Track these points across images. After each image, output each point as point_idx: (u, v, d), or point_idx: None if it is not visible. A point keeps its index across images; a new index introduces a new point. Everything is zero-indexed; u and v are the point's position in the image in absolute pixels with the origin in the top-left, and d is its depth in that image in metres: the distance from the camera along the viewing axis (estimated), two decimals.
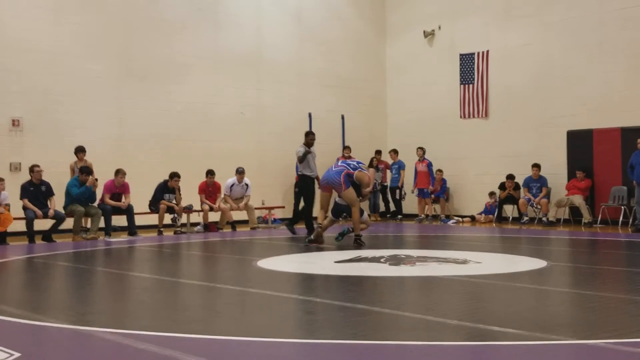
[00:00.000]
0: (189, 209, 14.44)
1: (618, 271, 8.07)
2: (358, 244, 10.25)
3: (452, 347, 4.29)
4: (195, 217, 14.72)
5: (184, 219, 14.38)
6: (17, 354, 4.08)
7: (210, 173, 14.56)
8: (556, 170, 15.59)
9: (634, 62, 14.61)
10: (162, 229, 13.66)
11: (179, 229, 13.92)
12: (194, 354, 4.01)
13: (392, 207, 17.88)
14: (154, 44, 15.40)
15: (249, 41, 16.87)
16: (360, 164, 10.74)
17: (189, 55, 15.87)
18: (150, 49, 15.34)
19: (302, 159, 12.63)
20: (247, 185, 15.02)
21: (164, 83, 15.48)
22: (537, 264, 8.24)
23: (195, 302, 6.28)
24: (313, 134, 12.94)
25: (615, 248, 10.59)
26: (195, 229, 14.37)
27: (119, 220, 13.55)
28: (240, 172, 14.89)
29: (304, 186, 12.55)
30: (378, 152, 17.96)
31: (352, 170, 10.47)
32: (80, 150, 13.35)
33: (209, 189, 14.58)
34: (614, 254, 10.01)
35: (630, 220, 13.96)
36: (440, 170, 17.20)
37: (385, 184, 17.91)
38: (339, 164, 10.86)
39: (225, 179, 14.90)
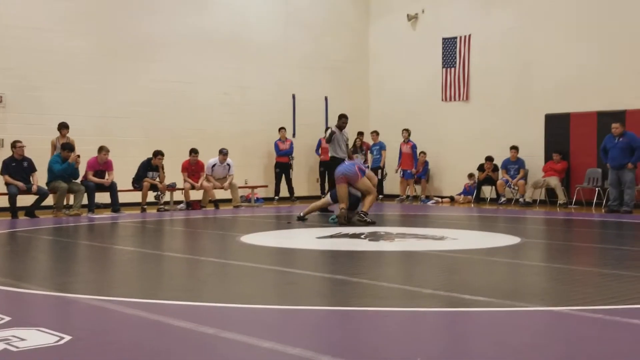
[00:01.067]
0: (172, 187, 14.58)
1: (589, 247, 8.36)
2: (365, 222, 10.42)
3: (425, 312, 4.52)
4: (179, 195, 14.86)
5: (167, 196, 14.52)
6: (7, 318, 4.21)
7: (193, 152, 14.69)
8: (534, 153, 15.89)
9: (611, 48, 14.88)
10: (145, 206, 13.81)
11: (162, 206, 14.07)
12: (180, 319, 4.18)
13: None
14: (139, 21, 15.45)
15: (233, 21, 16.94)
16: (365, 166, 11.17)
17: (174, 34, 15.93)
18: (135, 27, 15.38)
19: (329, 140, 12.96)
20: (229, 165, 15.17)
21: (147, 61, 15.53)
22: (511, 240, 8.51)
23: (180, 273, 6.48)
24: (346, 117, 13.07)
25: (588, 227, 10.91)
26: (179, 206, 14.52)
27: (102, 197, 13.66)
28: (224, 154, 15.04)
29: (333, 167, 12.59)
30: (360, 134, 18.15)
31: (363, 168, 11.18)
32: (63, 127, 13.41)
33: (192, 168, 14.72)
34: (587, 232, 10.31)
35: (604, 202, 14.29)
36: (423, 153, 17.44)
37: (367, 165, 18.11)
38: (347, 162, 11.27)
39: (209, 158, 15.04)
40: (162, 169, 14.18)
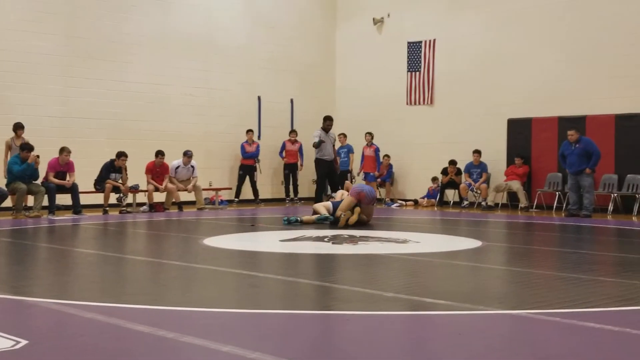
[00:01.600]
0: (135, 189, 14.45)
1: (548, 251, 8.49)
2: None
3: (386, 316, 4.55)
4: (142, 197, 14.74)
5: (129, 198, 14.39)
6: None
7: (160, 154, 14.58)
8: (496, 157, 16.09)
9: (573, 54, 15.14)
10: (107, 208, 13.66)
11: (124, 208, 13.94)
12: (139, 323, 4.15)
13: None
14: (103, 22, 15.30)
15: (199, 23, 16.87)
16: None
17: (138, 35, 15.81)
18: (99, 28, 15.23)
19: (317, 146, 13.05)
20: (192, 167, 15.10)
21: (112, 62, 15.39)
22: (473, 243, 8.60)
23: (141, 276, 6.43)
24: (331, 119, 13.11)
25: (548, 230, 11.06)
26: (141, 208, 14.40)
27: (64, 199, 13.50)
28: (188, 156, 14.97)
29: (319, 169, 12.73)
30: (341, 135, 18.20)
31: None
32: (18, 127, 13.19)
33: (157, 170, 14.61)
34: (546, 235, 10.46)
35: (564, 206, 14.52)
36: (387, 156, 17.55)
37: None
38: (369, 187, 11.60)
39: (172, 160, 14.94)
40: (125, 170, 14.04)
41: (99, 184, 13.88)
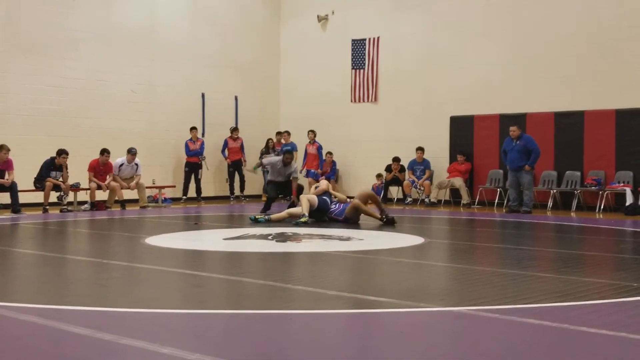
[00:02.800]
0: (76, 187, 14.18)
1: (489, 247, 8.63)
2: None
3: (329, 314, 4.55)
4: (83, 196, 14.47)
5: (70, 197, 14.11)
6: None
7: (105, 152, 14.33)
8: (439, 154, 16.31)
9: (513, 52, 15.43)
10: (47, 207, 13.36)
11: (65, 207, 13.66)
12: (78, 325, 4.07)
13: None
14: (44, 16, 14.94)
15: (141, 18, 16.63)
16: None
17: (80, 30, 15.49)
18: (39, 22, 14.87)
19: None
20: (137, 165, 14.90)
21: (52, 57, 15.05)
22: (416, 240, 8.69)
23: (81, 277, 6.30)
24: (291, 154, 12.88)
25: (490, 227, 11.26)
26: (83, 207, 14.13)
27: (2, 198, 13.15)
28: (132, 153, 14.76)
29: (270, 190, 12.82)
30: (279, 133, 18.19)
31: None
32: None
33: (100, 168, 14.35)
34: (488, 231, 10.64)
35: (505, 202, 14.79)
36: (330, 153, 17.59)
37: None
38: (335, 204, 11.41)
39: (115, 157, 14.70)
40: (66, 168, 13.76)
41: (39, 182, 13.57)
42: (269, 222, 10.80)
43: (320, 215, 11.21)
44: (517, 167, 13.81)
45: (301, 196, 11.39)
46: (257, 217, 11.06)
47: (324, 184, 11.84)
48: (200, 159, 16.86)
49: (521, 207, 13.71)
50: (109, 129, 15.77)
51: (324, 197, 11.28)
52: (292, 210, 11.18)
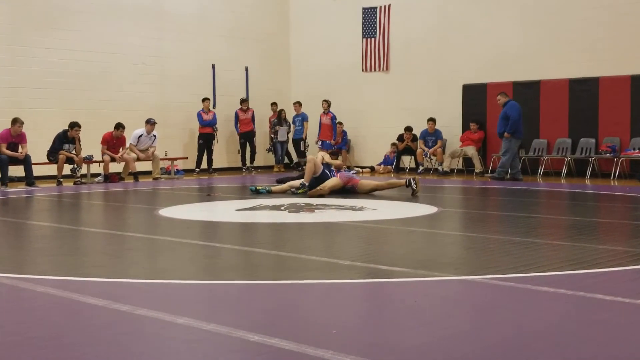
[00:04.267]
0: (89, 160, 14.23)
1: (502, 215, 8.61)
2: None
3: (342, 284, 4.56)
4: (96, 168, 14.52)
5: (84, 169, 14.16)
6: None
7: (120, 126, 14.35)
8: (452, 123, 16.20)
9: (526, 19, 15.24)
10: (61, 180, 13.42)
11: (78, 179, 13.71)
12: (93, 296, 4.09)
13: (295, 159, 18.16)
14: None
15: None
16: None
17: (89, 3, 15.44)
18: None
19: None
20: (154, 136, 14.97)
21: (62, 30, 15.03)
22: (429, 209, 8.67)
23: (95, 248, 6.34)
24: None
25: (503, 195, 11.21)
26: (96, 179, 14.19)
27: (16, 171, 13.22)
28: (152, 123, 14.80)
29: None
30: (273, 104, 18.10)
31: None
32: None
33: (114, 141, 14.39)
34: (501, 200, 10.61)
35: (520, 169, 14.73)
36: (340, 123, 17.54)
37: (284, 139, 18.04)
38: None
39: (127, 131, 14.69)
40: (79, 141, 13.79)
41: (52, 155, 13.61)
42: (270, 194, 10.75)
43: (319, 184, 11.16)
44: (499, 133, 13.83)
45: (308, 158, 11.31)
46: (257, 188, 11.02)
47: (320, 155, 11.78)
48: (214, 129, 16.85)
49: (506, 174, 13.78)
50: (120, 102, 15.78)
51: (324, 169, 11.21)
52: (293, 182, 11.17)
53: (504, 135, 13.77)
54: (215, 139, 17.00)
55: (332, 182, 10.66)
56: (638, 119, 13.93)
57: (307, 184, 10.71)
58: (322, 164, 11.03)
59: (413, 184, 10.30)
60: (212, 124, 16.86)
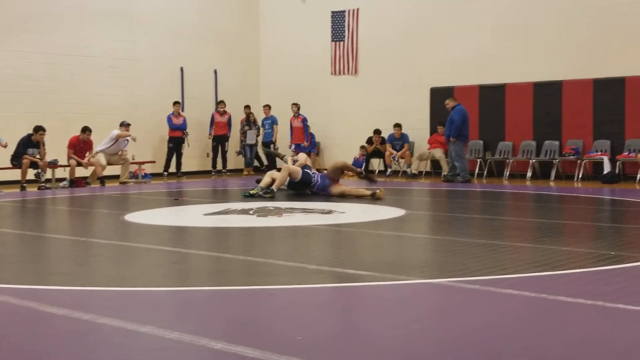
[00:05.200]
0: (53, 164, 14.04)
1: (469, 218, 8.67)
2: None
3: (309, 289, 4.55)
4: (61, 173, 14.32)
5: (48, 174, 13.97)
6: None
7: (87, 130, 14.19)
8: (420, 125, 16.30)
9: (495, 23, 15.39)
10: (25, 185, 13.21)
11: (43, 184, 13.52)
12: (55, 305, 4.02)
13: (265, 162, 18.11)
14: None
15: None
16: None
17: (57, 4, 15.27)
18: None
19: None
20: (127, 140, 14.85)
21: (31, 33, 14.84)
22: (397, 212, 8.70)
23: (59, 255, 6.24)
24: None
25: (470, 197, 11.30)
26: (61, 184, 14.00)
27: None
28: (126, 126, 14.71)
29: None
30: (247, 107, 18.04)
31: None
32: None
33: (80, 145, 14.22)
34: (468, 202, 10.68)
35: (485, 172, 14.87)
36: (307, 125, 17.54)
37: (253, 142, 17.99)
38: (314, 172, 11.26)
39: (97, 133, 14.50)
40: (43, 145, 13.60)
41: (16, 160, 13.40)
42: (270, 193, 10.69)
43: (303, 188, 11.17)
44: (446, 137, 14.17)
45: (283, 166, 11.29)
46: (251, 192, 10.89)
47: (302, 157, 11.79)
48: (184, 133, 16.73)
49: (456, 177, 13.91)
50: (89, 105, 15.61)
51: (306, 170, 11.21)
52: (274, 172, 11.12)
53: (450, 139, 13.93)
54: (186, 142, 16.87)
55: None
56: (600, 122, 14.15)
57: (275, 190, 10.70)
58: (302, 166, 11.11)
59: (377, 194, 10.34)
60: (182, 127, 16.75)
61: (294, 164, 11.35)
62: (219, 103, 17.52)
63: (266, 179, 11.10)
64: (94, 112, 15.51)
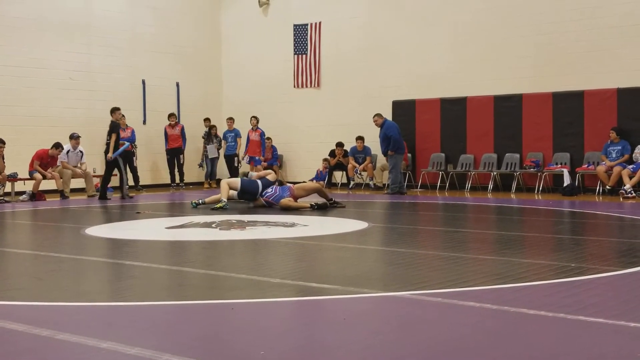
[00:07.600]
0: (13, 177, 13.80)
1: (431, 230, 8.73)
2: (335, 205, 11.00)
3: (272, 302, 4.53)
4: (21, 186, 14.09)
5: (7, 187, 13.72)
6: None
7: (60, 146, 14.06)
8: None
9: (455, 38, 15.58)
10: None
11: (2, 197, 13.28)
12: (12, 320, 3.95)
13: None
14: None
15: (77, 2, 16.20)
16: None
17: (14, 16, 15.05)
18: None
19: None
20: (81, 152, 14.66)
21: None
22: (359, 225, 8.72)
23: (17, 270, 6.12)
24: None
25: (432, 210, 11.38)
26: (21, 197, 13.77)
27: None
28: (75, 138, 14.48)
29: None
30: (206, 119, 17.94)
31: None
32: None
33: (48, 159, 14.04)
34: (431, 215, 10.76)
35: (447, 185, 14.96)
36: (269, 138, 17.54)
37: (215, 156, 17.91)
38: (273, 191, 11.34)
39: (50, 146, 14.30)
40: (2, 158, 13.37)
41: None
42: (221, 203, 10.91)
43: (251, 197, 11.44)
44: (383, 152, 14.54)
45: (221, 181, 11.70)
46: (197, 203, 11.37)
47: (266, 173, 12.09)
48: (133, 146, 16.43)
49: (401, 188, 14.30)
50: (46, 117, 15.40)
51: (257, 180, 11.37)
52: (214, 197, 11.47)
53: (388, 153, 14.22)
54: (135, 156, 16.57)
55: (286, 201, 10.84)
56: (560, 135, 14.38)
57: (226, 201, 10.92)
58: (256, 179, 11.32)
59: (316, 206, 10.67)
60: (130, 140, 16.43)
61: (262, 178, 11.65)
62: (170, 116, 17.35)
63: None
64: (51, 124, 15.33)
